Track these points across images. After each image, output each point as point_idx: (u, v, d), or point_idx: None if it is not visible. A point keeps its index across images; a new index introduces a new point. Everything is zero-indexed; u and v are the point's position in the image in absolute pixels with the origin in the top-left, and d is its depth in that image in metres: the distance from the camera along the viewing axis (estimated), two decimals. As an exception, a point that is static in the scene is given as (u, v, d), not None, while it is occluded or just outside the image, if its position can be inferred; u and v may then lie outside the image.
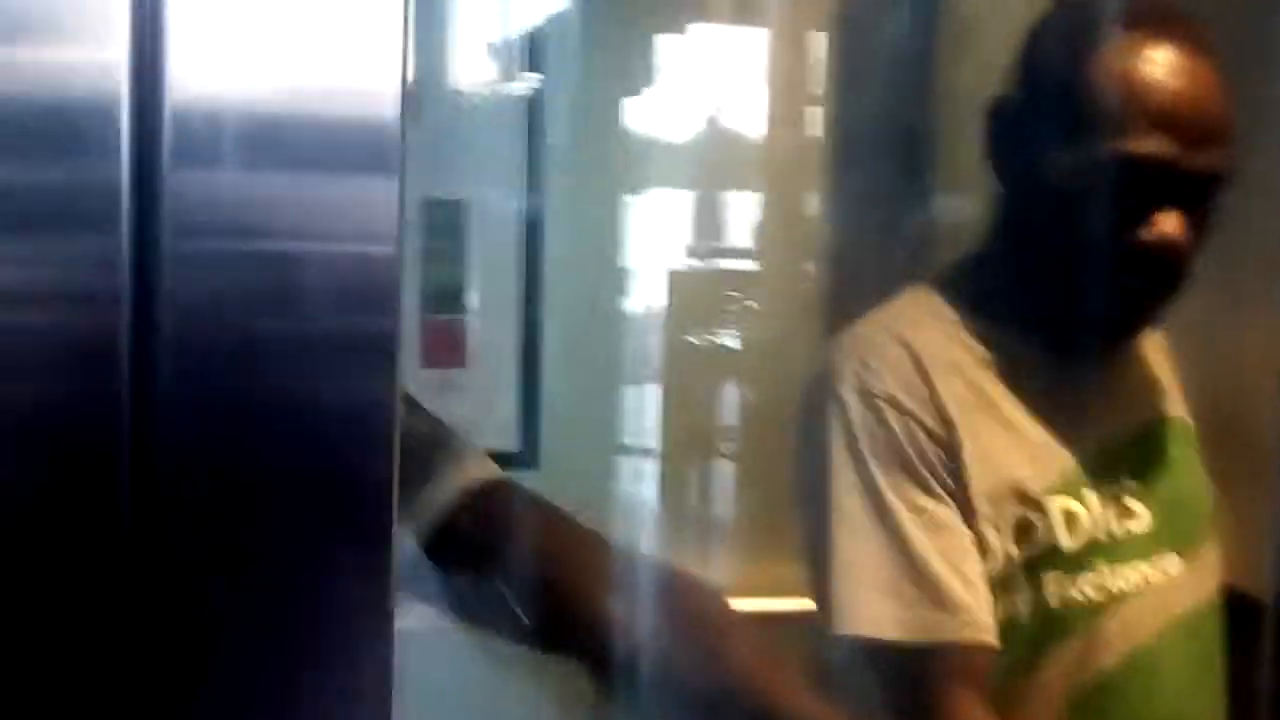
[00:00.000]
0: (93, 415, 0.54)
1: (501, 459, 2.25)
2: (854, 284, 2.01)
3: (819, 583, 1.31)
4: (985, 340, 1.34)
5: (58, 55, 0.53)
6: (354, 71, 0.56)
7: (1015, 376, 1.33)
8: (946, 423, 1.28)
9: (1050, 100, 1.30)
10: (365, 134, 0.56)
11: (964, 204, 1.86)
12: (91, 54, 0.53)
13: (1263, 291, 1.57)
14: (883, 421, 1.27)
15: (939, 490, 1.27)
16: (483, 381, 2.26)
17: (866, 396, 1.28)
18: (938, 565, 1.25)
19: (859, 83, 2.10)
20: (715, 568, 2.23)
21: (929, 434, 1.27)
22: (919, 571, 1.25)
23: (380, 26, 0.56)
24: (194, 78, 0.54)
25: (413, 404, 1.13)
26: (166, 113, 0.53)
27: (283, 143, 0.55)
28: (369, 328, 0.57)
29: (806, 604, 2.06)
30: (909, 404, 1.27)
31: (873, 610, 1.26)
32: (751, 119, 2.23)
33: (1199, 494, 1.44)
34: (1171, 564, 1.37)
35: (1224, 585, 1.42)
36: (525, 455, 2.28)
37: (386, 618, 0.59)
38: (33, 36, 0.52)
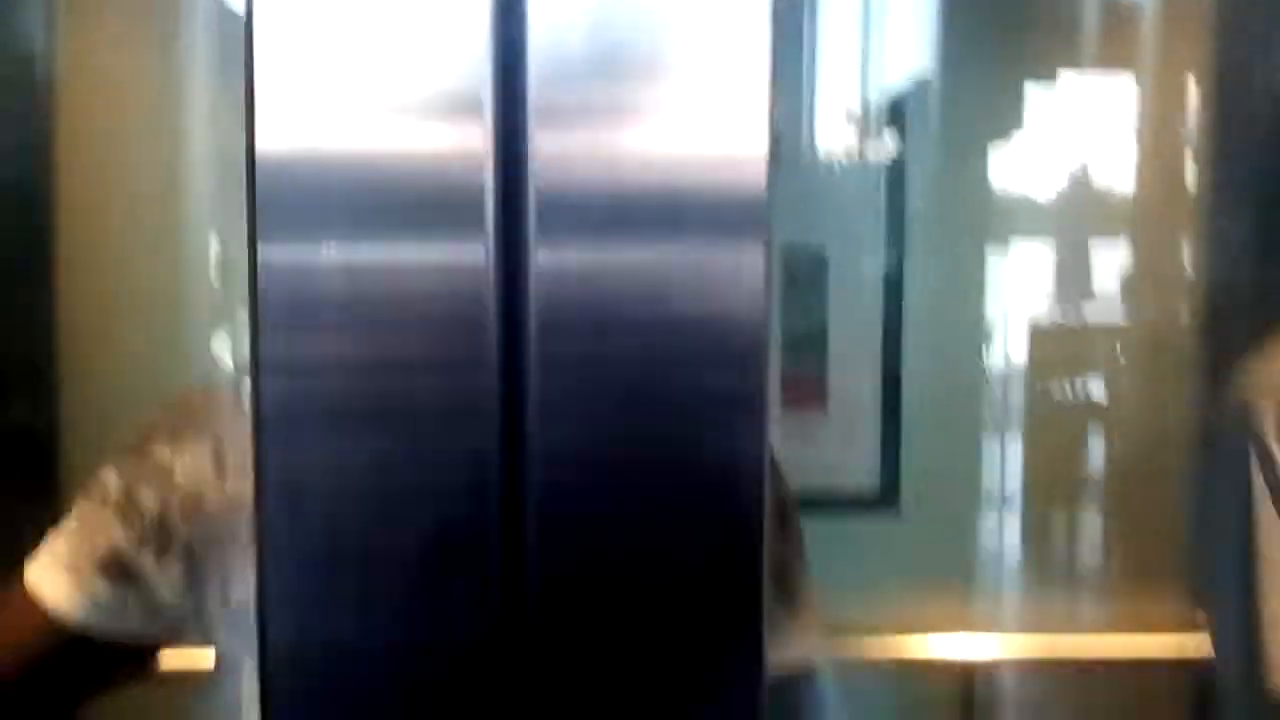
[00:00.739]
0: (471, 473, 0.53)
1: (863, 503, 2.23)
2: (1232, 334, 1.85)
3: (1236, 631, 1.18)
4: None
5: (431, 142, 0.51)
6: (718, 140, 0.53)
7: None
8: None
9: None
10: (731, 201, 0.53)
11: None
12: (460, 139, 0.51)
13: None
14: None
15: None
16: (843, 428, 2.21)
17: None
18: None
19: (1238, 129, 1.94)
20: (1077, 610, 2.13)
21: None
22: None
23: (745, 96, 0.53)
24: (559, 154, 0.52)
25: (800, 554, 1.06)
26: (532, 191, 0.51)
27: (647, 213, 0.52)
28: (737, 391, 0.53)
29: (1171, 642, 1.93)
30: None
31: None
32: (1120, 169, 2.10)
33: None
34: None
35: None
36: (886, 499, 2.21)
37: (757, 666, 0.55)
38: (406, 124, 0.51)
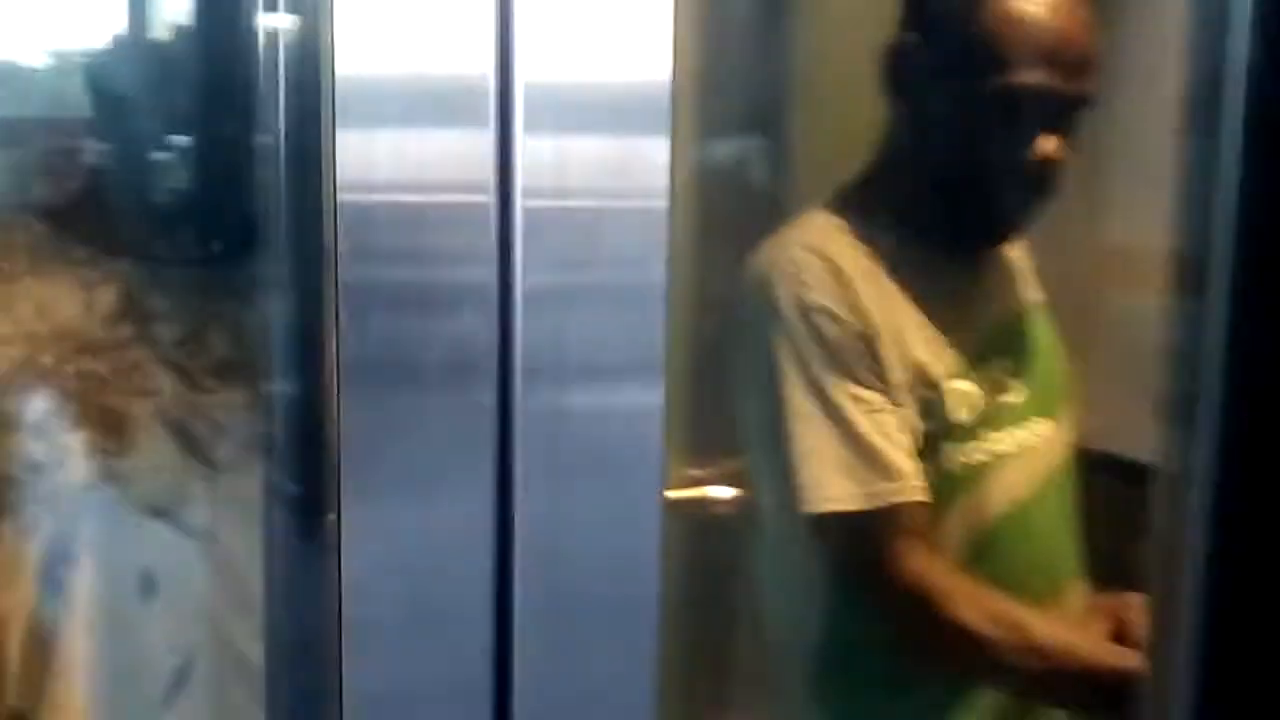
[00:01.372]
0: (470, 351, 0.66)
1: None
2: (722, 216, 2.07)
3: (772, 471, 1.44)
4: (884, 249, 1.46)
5: (436, 45, 0.63)
6: (633, 61, 0.70)
7: (911, 279, 1.47)
8: (867, 323, 1.41)
9: (943, 41, 1.43)
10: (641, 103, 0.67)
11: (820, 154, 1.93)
12: (463, 48, 0.64)
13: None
14: (820, 329, 1.40)
15: (870, 380, 1.41)
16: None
17: (803, 309, 1.40)
18: (880, 443, 1.40)
19: (716, 30, 2.13)
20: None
21: (857, 335, 1.41)
22: (867, 450, 1.39)
23: (652, 20, 0.71)
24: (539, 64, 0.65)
25: None
26: (521, 95, 0.64)
27: (605, 113, 0.67)
28: (645, 276, 0.69)
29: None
30: (839, 311, 1.41)
31: (834, 489, 1.39)
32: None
33: (1059, 366, 1.60)
34: (1041, 428, 1.54)
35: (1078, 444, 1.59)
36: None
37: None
38: (421, 32, 0.62)
